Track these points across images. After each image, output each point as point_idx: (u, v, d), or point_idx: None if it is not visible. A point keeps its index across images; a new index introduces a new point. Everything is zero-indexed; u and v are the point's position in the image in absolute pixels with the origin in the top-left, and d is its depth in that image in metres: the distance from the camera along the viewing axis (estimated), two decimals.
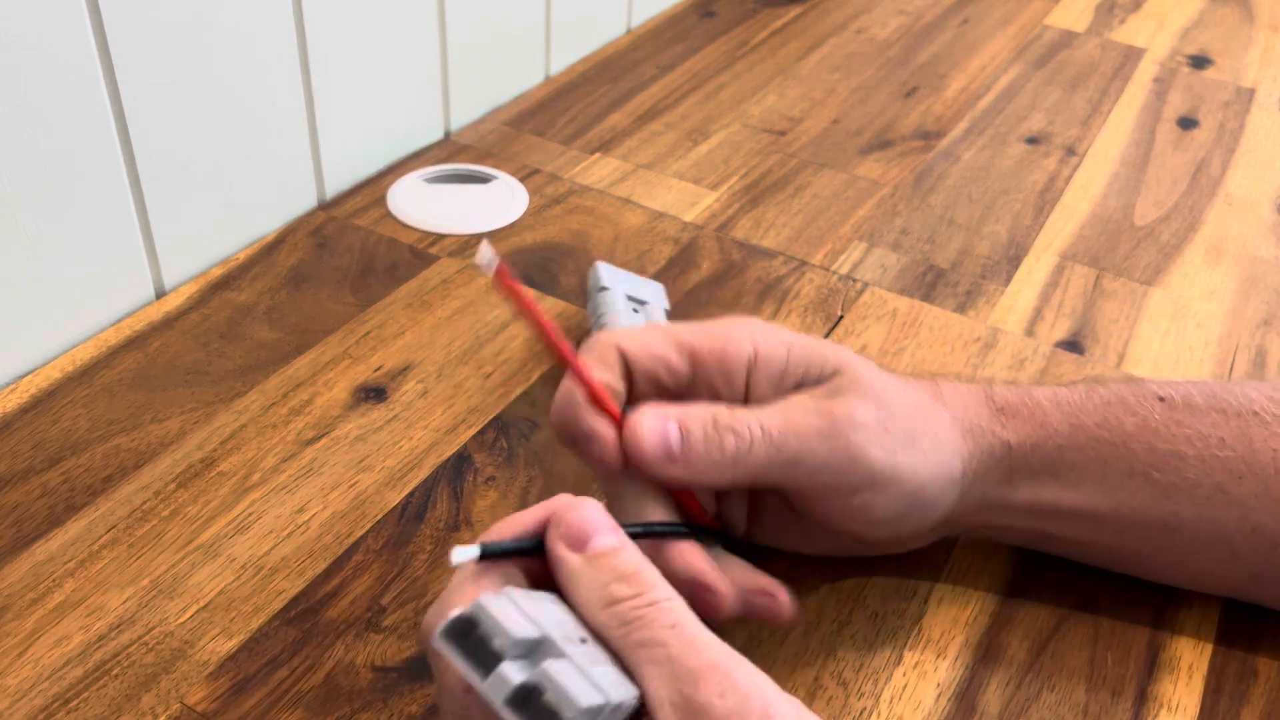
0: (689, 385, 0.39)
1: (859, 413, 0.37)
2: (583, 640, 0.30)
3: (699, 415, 0.37)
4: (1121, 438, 0.40)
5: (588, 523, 0.31)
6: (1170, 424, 0.40)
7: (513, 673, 0.27)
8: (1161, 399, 0.41)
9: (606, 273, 0.54)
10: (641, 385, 0.39)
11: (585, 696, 0.27)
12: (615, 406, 0.37)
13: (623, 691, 0.28)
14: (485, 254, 0.35)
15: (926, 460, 0.39)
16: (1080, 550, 0.43)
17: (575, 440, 0.37)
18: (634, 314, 0.52)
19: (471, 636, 0.28)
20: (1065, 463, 0.40)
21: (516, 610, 0.28)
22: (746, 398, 0.39)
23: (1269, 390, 0.41)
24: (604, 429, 0.37)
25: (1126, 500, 0.40)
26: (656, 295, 0.55)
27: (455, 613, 0.28)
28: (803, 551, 0.43)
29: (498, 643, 0.27)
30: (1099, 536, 0.42)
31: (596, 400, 0.37)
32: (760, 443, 0.37)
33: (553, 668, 0.27)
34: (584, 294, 0.58)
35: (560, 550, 0.31)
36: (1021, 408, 0.41)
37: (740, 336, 0.39)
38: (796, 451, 0.37)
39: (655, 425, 0.36)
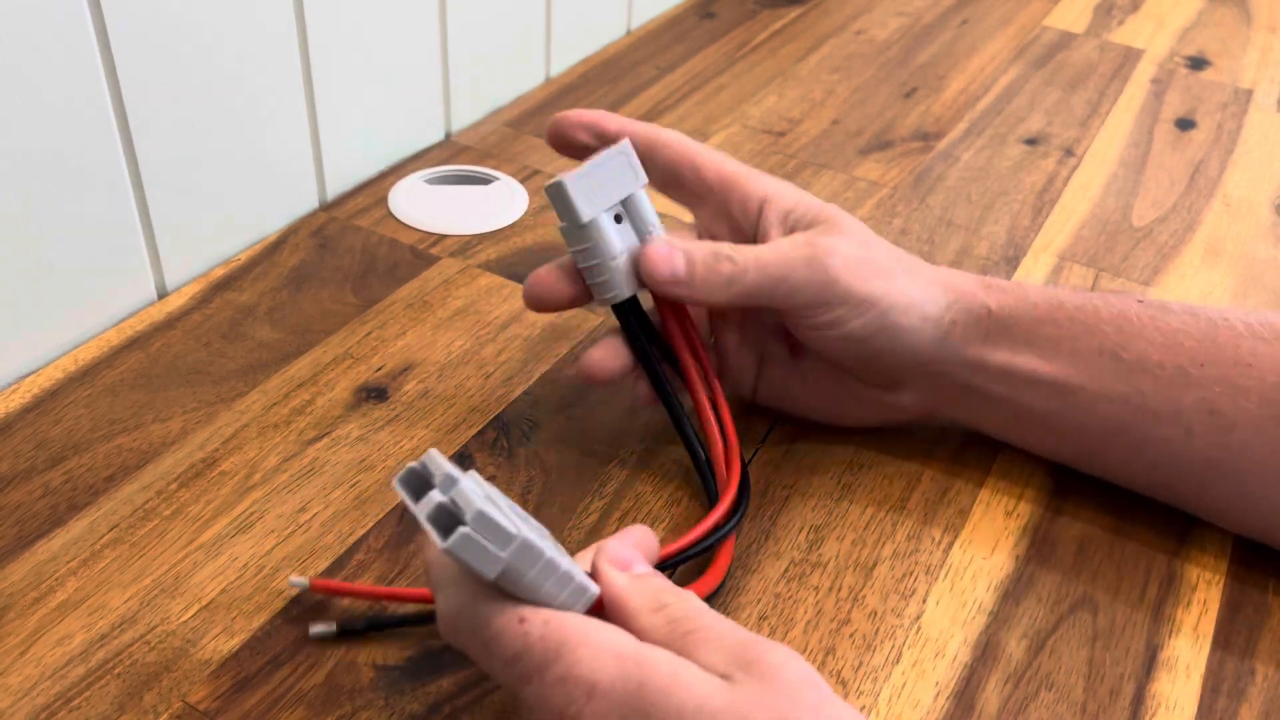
0: (710, 216, 0.47)
1: (840, 247, 0.44)
2: (524, 520, 0.33)
3: (702, 247, 0.44)
4: (1095, 319, 0.45)
5: (628, 553, 0.35)
6: (1143, 315, 0.45)
7: (437, 495, 0.31)
8: (1140, 301, 0.46)
9: (580, 198, 0.42)
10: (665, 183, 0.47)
11: (484, 505, 0.30)
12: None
13: (539, 540, 0.31)
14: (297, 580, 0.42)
15: (900, 291, 0.44)
16: (1050, 432, 0.46)
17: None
18: (625, 235, 0.44)
19: (421, 485, 0.32)
20: (1041, 334, 0.45)
21: (457, 467, 0.32)
22: (756, 236, 0.46)
23: (1242, 311, 0.45)
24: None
25: (1094, 374, 0.44)
26: (625, 174, 0.43)
27: (409, 465, 0.33)
28: (803, 412, 0.50)
29: (435, 479, 0.32)
30: (1067, 410, 0.45)
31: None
32: (753, 269, 0.43)
33: (466, 486, 0.31)
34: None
35: (609, 571, 0.34)
36: (1006, 284, 0.46)
37: (755, 181, 0.46)
38: (783, 274, 0.43)
39: (664, 252, 0.43)
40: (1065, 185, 0.70)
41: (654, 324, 0.47)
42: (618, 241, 0.44)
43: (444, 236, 0.62)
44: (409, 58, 0.67)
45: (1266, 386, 0.42)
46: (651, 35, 0.85)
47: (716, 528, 0.43)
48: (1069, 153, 0.73)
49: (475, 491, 0.31)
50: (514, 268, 0.60)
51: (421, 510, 0.31)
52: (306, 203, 0.63)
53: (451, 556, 0.30)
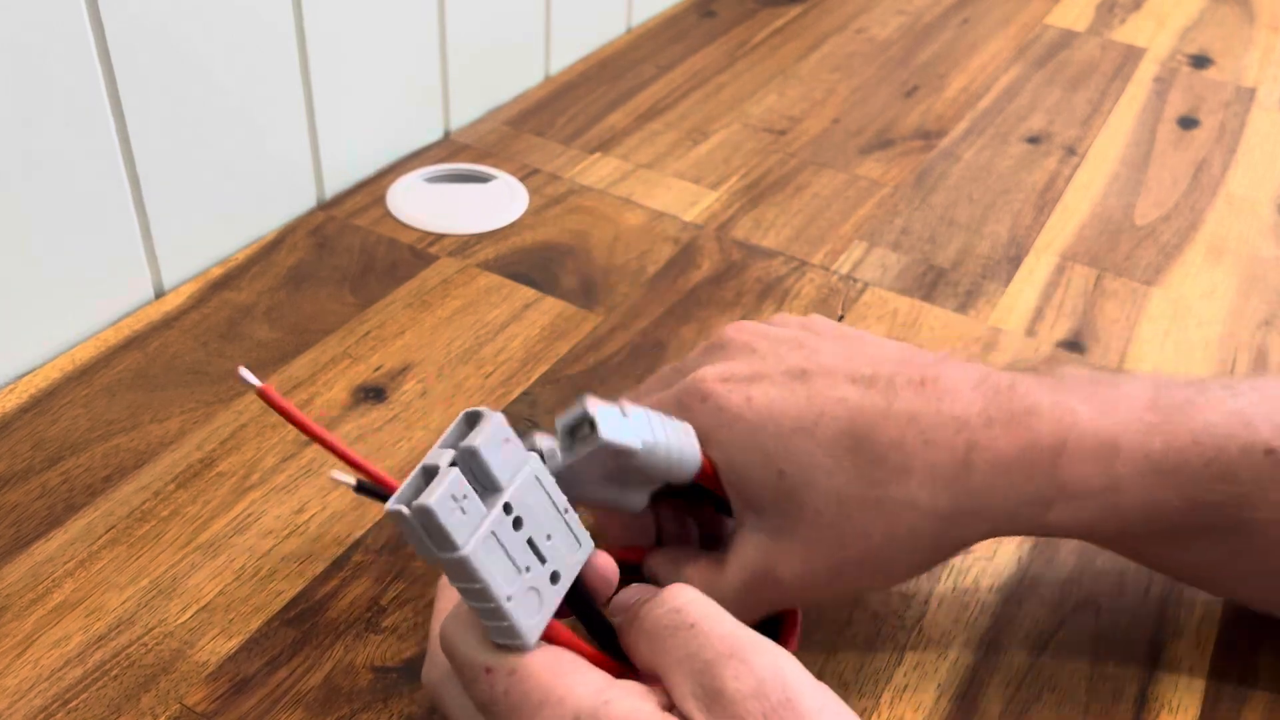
0: None
1: (784, 570, 0.37)
2: (524, 520, 0.30)
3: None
4: (1207, 508, 0.36)
5: (633, 594, 0.34)
6: (1270, 488, 0.36)
7: (433, 456, 0.30)
8: (1268, 453, 0.36)
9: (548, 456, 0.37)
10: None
11: (441, 504, 0.28)
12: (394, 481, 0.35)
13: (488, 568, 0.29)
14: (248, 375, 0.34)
15: (866, 572, 0.38)
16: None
17: None
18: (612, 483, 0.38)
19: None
20: (1128, 533, 0.38)
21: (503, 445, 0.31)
22: None
23: None
24: None
25: (1184, 552, 0.39)
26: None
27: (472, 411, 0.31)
28: None
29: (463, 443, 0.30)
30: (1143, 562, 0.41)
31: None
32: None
33: (447, 478, 0.29)
34: (584, 295, 0.58)
35: (615, 620, 0.33)
36: (1094, 484, 0.36)
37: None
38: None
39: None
40: (1067, 184, 0.70)
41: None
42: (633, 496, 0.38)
43: (443, 236, 0.62)
44: (408, 55, 0.66)
45: None
46: (652, 33, 0.85)
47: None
48: (1071, 151, 0.73)
49: (450, 485, 0.29)
50: (513, 267, 0.60)
51: (425, 460, 0.30)
52: (304, 202, 0.63)
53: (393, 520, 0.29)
